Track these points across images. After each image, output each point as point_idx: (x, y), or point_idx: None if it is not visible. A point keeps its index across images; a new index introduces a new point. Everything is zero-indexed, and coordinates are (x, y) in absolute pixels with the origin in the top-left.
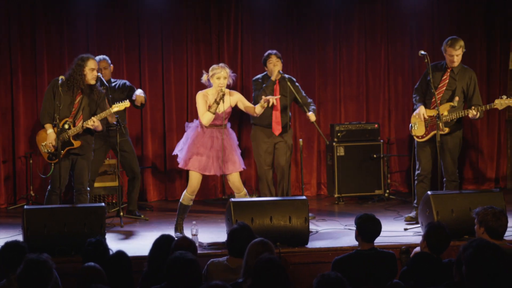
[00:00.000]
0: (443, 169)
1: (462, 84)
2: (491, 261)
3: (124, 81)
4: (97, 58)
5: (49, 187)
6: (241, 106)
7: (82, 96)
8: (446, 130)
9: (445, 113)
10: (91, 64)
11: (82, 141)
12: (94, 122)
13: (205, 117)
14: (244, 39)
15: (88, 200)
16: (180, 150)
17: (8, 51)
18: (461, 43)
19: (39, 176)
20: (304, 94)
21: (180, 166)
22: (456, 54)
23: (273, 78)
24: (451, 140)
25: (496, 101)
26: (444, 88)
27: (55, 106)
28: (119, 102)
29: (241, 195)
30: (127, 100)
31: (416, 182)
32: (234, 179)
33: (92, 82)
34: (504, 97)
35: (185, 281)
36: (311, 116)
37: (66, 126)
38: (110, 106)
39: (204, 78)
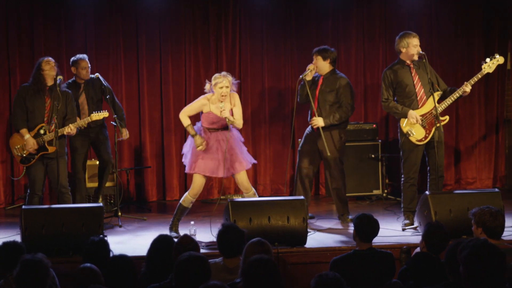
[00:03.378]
0: (432, 166)
1: (427, 73)
2: (489, 261)
3: (97, 76)
4: (80, 56)
5: (28, 191)
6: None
7: (51, 100)
8: (447, 117)
9: (437, 105)
10: (45, 61)
11: (56, 146)
12: (70, 130)
13: (183, 118)
14: (242, 39)
15: (71, 199)
16: (187, 152)
17: (6, 51)
18: None
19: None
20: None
21: (186, 171)
22: (419, 44)
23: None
24: (442, 132)
25: (484, 66)
26: (420, 83)
27: (54, 106)
28: (98, 112)
29: (250, 195)
30: (106, 111)
31: (405, 186)
32: (242, 179)
33: (49, 81)
34: (488, 59)
35: (195, 279)
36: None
37: (42, 132)
38: (111, 106)
39: (207, 87)
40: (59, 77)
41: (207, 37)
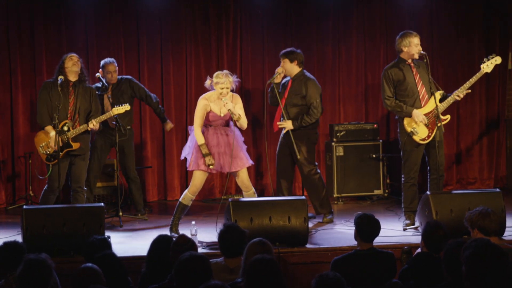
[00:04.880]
0: (433, 165)
1: (428, 73)
2: (491, 261)
3: (128, 77)
4: (107, 60)
5: (46, 186)
6: None
7: (75, 97)
8: (448, 116)
9: (439, 104)
10: (69, 56)
11: (80, 143)
12: (94, 126)
13: (196, 133)
14: (243, 39)
15: (85, 199)
16: (188, 153)
17: (7, 50)
18: None
19: (38, 176)
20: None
21: (188, 168)
22: (420, 43)
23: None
24: (443, 131)
25: (483, 66)
26: (421, 82)
27: (54, 106)
28: (119, 105)
29: (250, 194)
30: (127, 104)
31: (406, 185)
32: (243, 177)
33: (72, 76)
34: (486, 59)
35: (196, 279)
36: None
37: (66, 128)
38: (112, 107)
39: (208, 83)
40: (60, 77)
41: (208, 37)
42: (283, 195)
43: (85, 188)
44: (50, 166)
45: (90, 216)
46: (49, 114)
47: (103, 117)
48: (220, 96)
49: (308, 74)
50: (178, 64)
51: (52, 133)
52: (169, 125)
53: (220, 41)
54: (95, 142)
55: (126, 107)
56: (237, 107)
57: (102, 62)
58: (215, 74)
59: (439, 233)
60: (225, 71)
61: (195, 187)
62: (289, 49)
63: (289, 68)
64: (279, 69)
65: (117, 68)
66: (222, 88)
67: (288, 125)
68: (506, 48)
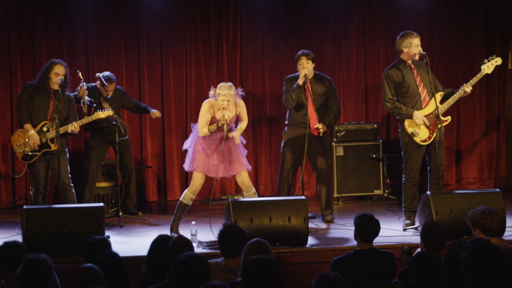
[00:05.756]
0: (433, 166)
1: (428, 73)
2: (490, 261)
3: (122, 88)
4: (109, 79)
5: (33, 189)
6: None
7: (55, 100)
8: (449, 118)
9: (440, 105)
10: (56, 69)
11: (57, 144)
12: (74, 128)
13: (202, 132)
14: (243, 39)
15: (75, 196)
16: (188, 147)
17: (7, 51)
18: None
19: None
20: (337, 98)
21: (186, 169)
22: (420, 44)
23: (299, 81)
24: (443, 132)
25: (483, 67)
26: (422, 83)
27: (55, 106)
28: (102, 110)
29: (250, 194)
30: (111, 109)
31: (407, 185)
32: (243, 178)
33: (55, 87)
34: (486, 60)
35: (195, 279)
36: (321, 126)
37: (45, 129)
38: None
39: (211, 93)
40: (60, 77)
41: (208, 37)
42: (286, 191)
43: (72, 185)
44: (26, 165)
45: (90, 216)
46: (28, 114)
47: (84, 121)
48: (222, 107)
49: (319, 72)
50: (178, 64)
51: (31, 131)
52: (156, 113)
53: (220, 41)
54: (90, 141)
55: (109, 112)
56: (243, 122)
57: (105, 77)
58: (218, 86)
59: (437, 232)
60: (229, 83)
61: (194, 187)
62: (306, 50)
63: (311, 70)
64: (305, 71)
65: (115, 83)
66: (223, 100)
67: (323, 127)
68: (506, 48)
